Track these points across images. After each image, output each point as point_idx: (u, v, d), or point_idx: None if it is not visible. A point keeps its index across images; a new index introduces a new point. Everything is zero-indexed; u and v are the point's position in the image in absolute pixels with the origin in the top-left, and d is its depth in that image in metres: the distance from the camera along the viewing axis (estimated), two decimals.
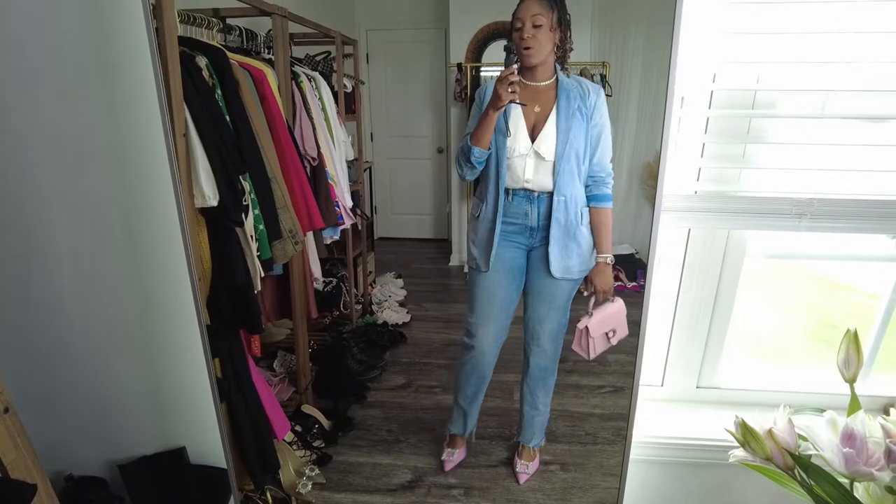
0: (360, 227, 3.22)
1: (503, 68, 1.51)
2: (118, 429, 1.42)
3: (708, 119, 1.11)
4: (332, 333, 2.80)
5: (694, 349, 1.36)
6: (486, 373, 1.92)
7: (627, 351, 2.95)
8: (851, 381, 0.93)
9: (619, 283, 3.92)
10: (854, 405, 0.91)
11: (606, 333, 1.74)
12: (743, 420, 0.86)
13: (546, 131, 1.62)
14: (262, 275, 1.63)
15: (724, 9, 0.98)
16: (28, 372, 1.31)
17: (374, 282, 3.73)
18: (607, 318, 1.74)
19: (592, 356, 1.75)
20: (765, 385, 1.40)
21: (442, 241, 5.21)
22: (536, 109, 1.64)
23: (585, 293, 1.75)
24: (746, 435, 0.85)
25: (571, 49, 1.67)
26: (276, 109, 1.84)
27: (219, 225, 1.48)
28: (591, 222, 1.71)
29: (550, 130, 1.62)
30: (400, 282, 3.89)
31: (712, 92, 1.08)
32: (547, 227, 1.70)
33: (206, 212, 1.46)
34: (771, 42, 1.04)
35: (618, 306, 1.75)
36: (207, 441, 1.41)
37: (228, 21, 2.04)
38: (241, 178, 1.55)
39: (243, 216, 1.54)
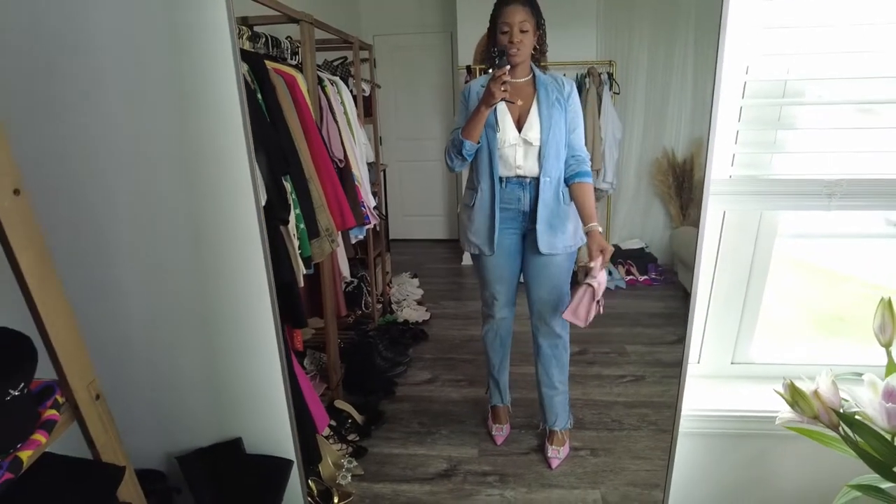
0: (378, 228, 3.28)
1: (494, 69, 1.63)
2: (176, 421, 1.48)
3: (741, 108, 1.18)
4: (358, 331, 2.86)
5: (728, 327, 1.42)
6: (506, 337, 2.14)
7: (645, 342, 3.04)
8: (888, 345, 1.00)
9: (631, 276, 3.99)
10: (891, 367, 0.97)
11: (598, 301, 1.77)
12: (791, 381, 0.92)
13: (531, 120, 1.77)
14: (305, 272, 1.70)
15: (757, 5, 1.05)
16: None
17: (390, 282, 3.79)
18: (603, 284, 1.77)
19: (586, 323, 1.75)
20: (796, 359, 1.46)
21: (454, 242, 5.25)
22: (519, 103, 1.77)
23: (585, 264, 1.76)
24: (795, 395, 0.91)
25: (546, 50, 1.83)
26: (307, 113, 1.91)
27: (266, 224, 1.54)
28: (575, 197, 1.82)
29: (534, 119, 1.77)
30: (416, 281, 3.96)
31: (745, 83, 1.15)
32: (537, 210, 1.83)
33: None
34: (801, 35, 1.11)
35: (604, 275, 1.77)
36: (263, 431, 1.47)
37: (255, 29, 2.11)
38: (283, 178, 1.62)
39: (287, 214, 1.61)
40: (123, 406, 1.42)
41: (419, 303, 3.64)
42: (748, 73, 1.14)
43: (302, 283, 1.67)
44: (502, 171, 1.82)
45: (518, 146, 1.80)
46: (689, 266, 3.75)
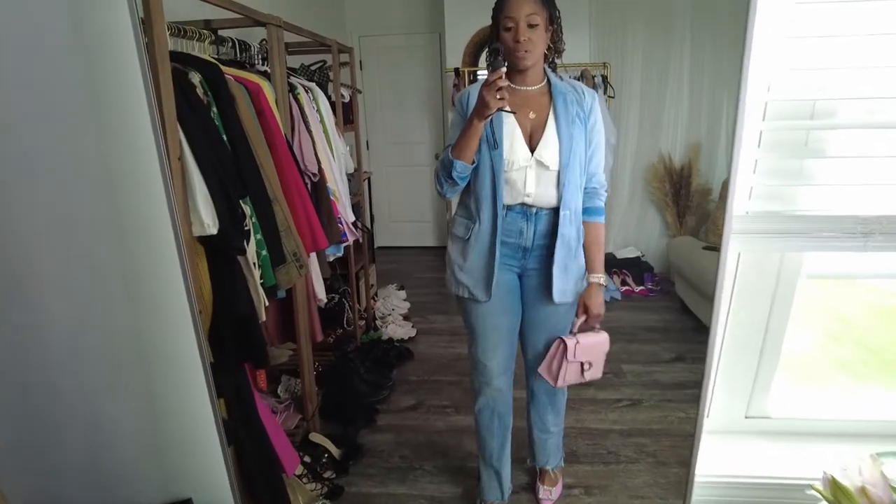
0: (361, 241, 3.11)
1: (489, 71, 1.33)
2: (116, 481, 1.31)
3: (761, 133, 1.01)
4: (338, 353, 2.69)
5: (743, 377, 1.25)
6: (506, 415, 1.74)
7: (642, 360, 2.89)
8: None
9: (627, 287, 3.85)
10: None
11: (582, 364, 1.57)
12: (833, 477, 0.76)
13: (547, 138, 1.46)
14: (267, 304, 1.53)
15: (783, 11, 0.88)
16: (14, 419, 1.20)
17: (375, 295, 3.62)
18: (590, 347, 1.57)
19: (560, 384, 1.58)
20: (818, 413, 1.30)
21: (443, 249, 5.08)
22: (531, 116, 1.47)
23: (577, 318, 1.59)
24: (837, 493, 0.75)
25: (563, 49, 1.53)
26: (274, 125, 1.74)
27: (219, 253, 1.38)
28: (584, 239, 1.57)
29: (551, 137, 1.46)
30: (402, 293, 3.79)
31: (766, 103, 0.98)
32: (542, 248, 1.55)
33: (205, 240, 1.35)
34: (834, 46, 0.94)
35: (603, 338, 1.59)
36: (216, 489, 1.30)
37: (220, 33, 1.94)
38: (241, 201, 1.45)
39: (245, 243, 1.44)
40: (56, 463, 1.27)
41: (405, 318, 3.47)
42: (770, 91, 0.97)
43: (263, 318, 1.50)
44: (506, 198, 1.49)
45: (529, 169, 1.47)
46: (687, 278, 3.59)
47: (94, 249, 1.13)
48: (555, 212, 1.50)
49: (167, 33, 1.33)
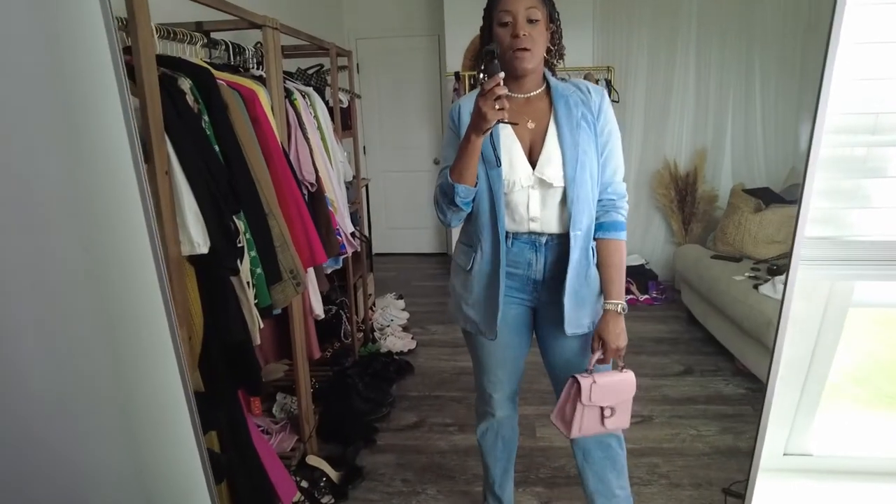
0: (359, 250, 3.01)
1: (484, 78, 1.15)
2: None
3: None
4: (335, 368, 2.59)
5: (783, 412, 1.16)
6: (511, 440, 1.66)
7: (650, 374, 2.80)
8: None
9: (631, 296, 3.76)
10: None
11: (602, 410, 1.34)
12: None
13: (548, 150, 1.28)
14: (261, 325, 1.43)
15: (850, 14, 0.78)
16: None
17: (373, 305, 3.52)
18: (611, 389, 1.33)
19: (574, 433, 1.34)
20: (865, 452, 1.21)
21: (441, 256, 5.02)
22: (530, 126, 1.30)
23: (593, 353, 1.37)
24: None
25: (564, 53, 1.37)
26: (269, 133, 1.64)
27: (210, 274, 1.28)
28: (601, 259, 1.38)
29: (553, 148, 1.28)
30: (401, 303, 3.69)
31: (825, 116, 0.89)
32: (554, 278, 1.37)
33: (194, 260, 1.25)
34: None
35: (627, 378, 1.36)
36: None
37: (213, 35, 1.84)
38: (234, 217, 1.35)
39: (238, 261, 1.34)
40: None
41: (404, 329, 3.37)
42: (829, 103, 0.88)
43: (258, 341, 1.40)
44: (509, 224, 1.32)
45: (533, 189, 1.29)
46: (695, 287, 3.48)
47: (68, 283, 1.02)
48: (567, 237, 1.32)
49: (154, 36, 1.23)
